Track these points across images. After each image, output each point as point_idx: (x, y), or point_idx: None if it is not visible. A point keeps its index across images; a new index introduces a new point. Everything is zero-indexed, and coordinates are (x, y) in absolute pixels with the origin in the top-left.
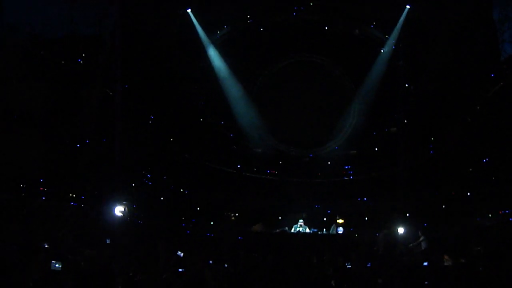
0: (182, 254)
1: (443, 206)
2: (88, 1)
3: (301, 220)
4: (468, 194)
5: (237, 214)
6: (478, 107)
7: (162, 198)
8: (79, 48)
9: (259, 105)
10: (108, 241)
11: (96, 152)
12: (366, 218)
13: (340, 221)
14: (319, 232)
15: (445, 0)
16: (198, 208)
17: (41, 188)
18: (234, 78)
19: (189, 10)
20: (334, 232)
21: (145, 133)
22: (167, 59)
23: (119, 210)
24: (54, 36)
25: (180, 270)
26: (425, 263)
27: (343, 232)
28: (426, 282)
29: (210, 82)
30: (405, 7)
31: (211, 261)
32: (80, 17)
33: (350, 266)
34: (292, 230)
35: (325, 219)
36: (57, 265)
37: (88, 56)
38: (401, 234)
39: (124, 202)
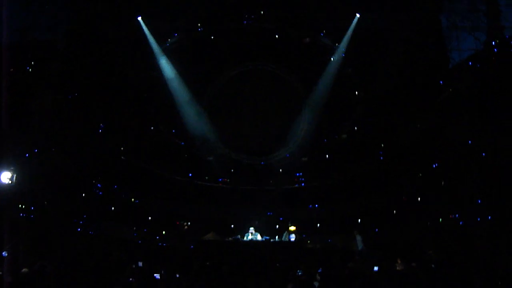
0: (141, 264)
1: (394, 211)
2: (40, 6)
3: (251, 228)
4: (419, 199)
5: (189, 223)
6: (427, 114)
7: (113, 208)
8: (30, 54)
9: (210, 113)
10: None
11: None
12: (318, 225)
13: (292, 228)
14: (272, 240)
15: (394, 9)
16: (149, 217)
17: None
18: (185, 86)
19: (139, 18)
20: (287, 239)
21: (95, 141)
22: (118, 67)
23: (6, 177)
24: (4, 41)
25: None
26: (376, 268)
27: (295, 239)
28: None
29: (161, 90)
30: (355, 15)
31: (163, 271)
32: (33, 22)
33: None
34: (245, 238)
35: (277, 226)
36: None
37: (40, 62)
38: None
39: (11, 168)
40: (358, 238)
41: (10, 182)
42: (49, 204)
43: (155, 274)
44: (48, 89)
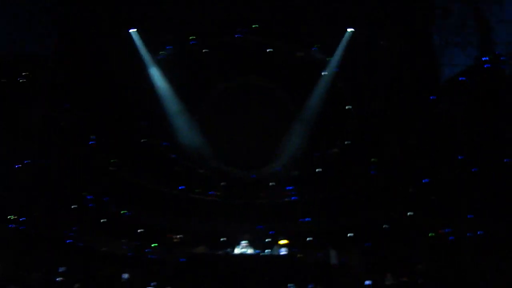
0: (127, 276)
1: (385, 226)
2: (31, 20)
3: (243, 241)
4: (409, 213)
5: (180, 236)
6: (418, 128)
7: (103, 220)
8: (21, 67)
9: (202, 126)
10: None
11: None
12: (309, 239)
13: (283, 242)
14: (262, 253)
15: (386, 25)
16: (140, 230)
17: None
18: (177, 99)
19: (132, 31)
20: (277, 253)
21: (86, 153)
22: (111, 80)
23: None
24: None
25: None
26: (368, 282)
27: (286, 252)
28: None
29: (153, 103)
30: (347, 30)
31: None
32: (23, 35)
33: None
34: (235, 251)
35: (268, 240)
36: None
37: (31, 75)
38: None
39: None
40: (332, 253)
41: None
42: (39, 216)
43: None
44: (38, 101)
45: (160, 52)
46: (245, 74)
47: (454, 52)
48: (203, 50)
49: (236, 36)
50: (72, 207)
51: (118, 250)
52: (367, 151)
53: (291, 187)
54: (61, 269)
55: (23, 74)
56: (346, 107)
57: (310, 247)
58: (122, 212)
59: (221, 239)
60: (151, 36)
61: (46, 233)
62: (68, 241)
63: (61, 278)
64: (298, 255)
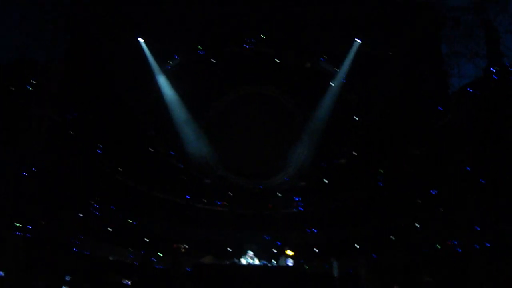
0: (129, 282)
1: (392, 237)
2: (40, 27)
3: (250, 252)
4: (417, 225)
5: (186, 246)
6: (426, 140)
7: (109, 229)
8: (29, 74)
9: (210, 135)
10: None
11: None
12: (316, 250)
13: (290, 252)
14: (269, 264)
15: (394, 35)
16: (146, 239)
17: None
18: (185, 108)
19: (140, 39)
20: (284, 264)
21: (93, 162)
22: (118, 88)
23: None
24: (4, 61)
25: None
26: None
27: (292, 263)
28: None
29: (161, 112)
30: (355, 41)
31: None
32: (32, 42)
33: None
34: (242, 262)
35: (275, 250)
36: None
37: (39, 82)
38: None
39: None
40: (335, 264)
41: None
42: (45, 224)
43: None
44: (46, 109)
45: (168, 62)
46: (253, 84)
47: (463, 63)
48: (211, 60)
49: (244, 46)
50: (79, 215)
51: (125, 259)
52: (375, 162)
53: (298, 198)
54: (67, 278)
55: (31, 81)
56: (354, 117)
57: (317, 258)
58: (129, 221)
59: (228, 249)
60: (159, 45)
61: (52, 241)
62: (74, 249)
63: (67, 287)
64: (305, 266)
